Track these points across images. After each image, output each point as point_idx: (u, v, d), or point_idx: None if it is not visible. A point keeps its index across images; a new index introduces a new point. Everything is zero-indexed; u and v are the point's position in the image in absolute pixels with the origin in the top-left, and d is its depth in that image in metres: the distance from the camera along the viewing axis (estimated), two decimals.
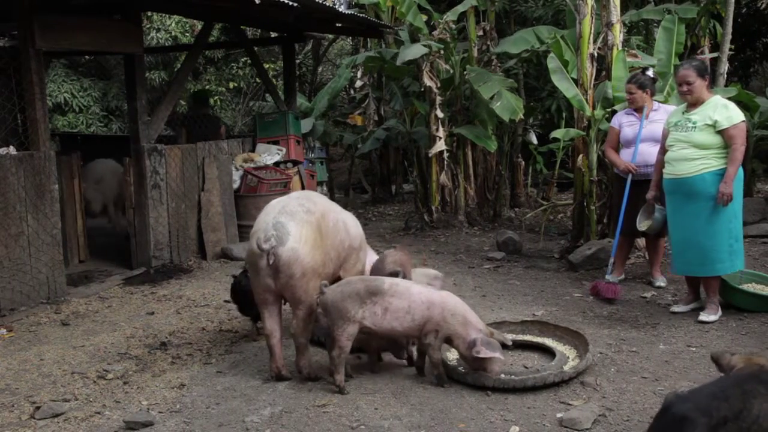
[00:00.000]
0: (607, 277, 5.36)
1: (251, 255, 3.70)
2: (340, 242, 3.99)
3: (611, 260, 5.44)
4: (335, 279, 4.23)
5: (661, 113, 5.34)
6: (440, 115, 7.97)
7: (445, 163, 8.25)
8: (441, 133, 8.01)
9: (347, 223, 4.13)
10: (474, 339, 3.54)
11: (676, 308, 4.84)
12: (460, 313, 3.62)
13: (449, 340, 3.62)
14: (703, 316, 4.59)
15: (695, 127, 4.57)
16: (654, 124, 5.31)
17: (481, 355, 3.53)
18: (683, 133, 4.63)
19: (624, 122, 5.46)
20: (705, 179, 4.51)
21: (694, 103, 4.63)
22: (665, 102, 5.90)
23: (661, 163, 4.88)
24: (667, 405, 2.26)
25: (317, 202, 3.94)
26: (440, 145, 8.03)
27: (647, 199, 5.09)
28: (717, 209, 4.49)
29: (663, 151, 4.85)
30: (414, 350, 3.89)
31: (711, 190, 4.48)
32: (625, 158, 5.43)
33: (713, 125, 4.48)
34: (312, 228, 3.71)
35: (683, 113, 4.71)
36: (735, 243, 4.58)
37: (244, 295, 4.29)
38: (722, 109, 4.51)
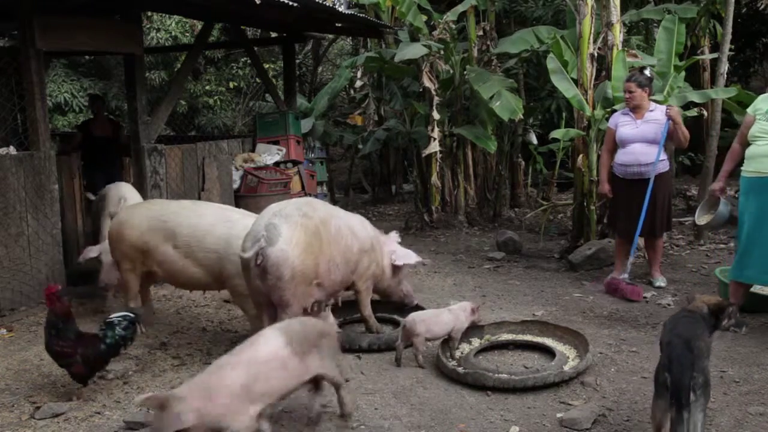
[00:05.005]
0: (624, 276, 5.35)
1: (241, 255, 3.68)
2: (346, 247, 3.96)
3: (630, 259, 5.40)
4: (348, 286, 4.19)
5: (657, 113, 5.34)
6: (437, 116, 7.97)
7: (438, 164, 8.26)
8: (436, 134, 8.01)
9: (354, 227, 4.11)
10: None
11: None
12: None
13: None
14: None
15: None
16: (649, 124, 5.31)
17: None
18: None
19: (620, 122, 5.46)
20: None
21: None
22: (665, 102, 5.90)
23: (737, 154, 4.50)
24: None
25: (317, 208, 3.90)
26: (434, 146, 8.03)
27: (712, 191, 4.76)
28: None
29: (740, 140, 4.46)
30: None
31: None
32: (621, 158, 5.43)
33: None
34: (307, 232, 3.66)
35: None
36: None
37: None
38: None
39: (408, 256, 4.51)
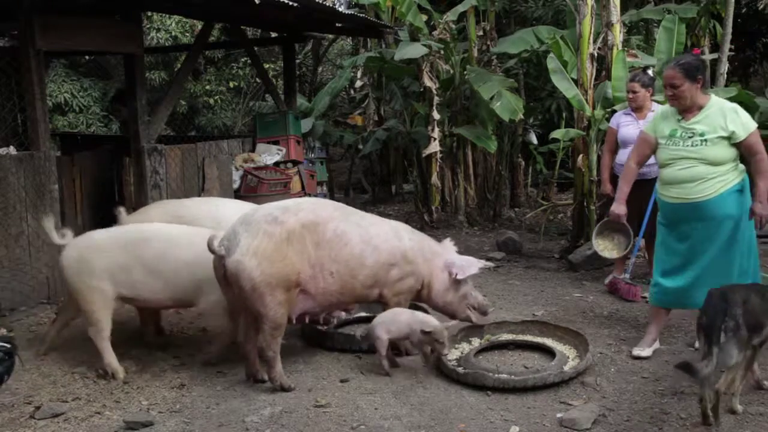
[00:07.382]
0: (625, 275, 5.35)
1: (213, 261, 3.64)
2: (350, 255, 3.71)
3: (632, 260, 5.39)
4: (370, 298, 3.98)
5: None
6: (437, 116, 7.97)
7: (438, 164, 8.26)
8: (436, 134, 8.01)
9: (372, 238, 3.82)
10: None
11: (638, 351, 4.04)
12: None
13: None
14: (637, 351, 4.05)
15: (705, 140, 3.80)
16: None
17: None
18: (689, 147, 3.84)
19: (622, 122, 5.46)
20: (725, 199, 3.81)
21: (687, 110, 3.89)
22: (664, 103, 5.90)
23: (634, 174, 4.20)
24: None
25: (303, 209, 3.69)
26: (434, 146, 8.03)
27: (615, 216, 4.29)
28: (735, 231, 3.83)
29: (636, 159, 4.17)
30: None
31: (730, 211, 3.82)
32: (622, 158, 5.42)
33: (728, 137, 3.77)
34: (272, 239, 3.49)
35: (678, 121, 3.92)
36: (745, 262, 3.88)
37: None
38: (733, 116, 3.79)
39: (469, 266, 4.06)
